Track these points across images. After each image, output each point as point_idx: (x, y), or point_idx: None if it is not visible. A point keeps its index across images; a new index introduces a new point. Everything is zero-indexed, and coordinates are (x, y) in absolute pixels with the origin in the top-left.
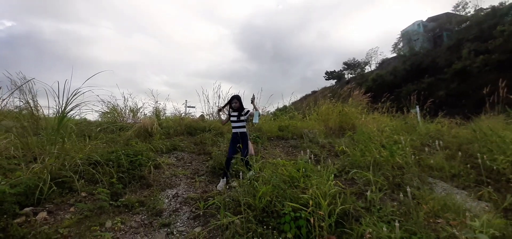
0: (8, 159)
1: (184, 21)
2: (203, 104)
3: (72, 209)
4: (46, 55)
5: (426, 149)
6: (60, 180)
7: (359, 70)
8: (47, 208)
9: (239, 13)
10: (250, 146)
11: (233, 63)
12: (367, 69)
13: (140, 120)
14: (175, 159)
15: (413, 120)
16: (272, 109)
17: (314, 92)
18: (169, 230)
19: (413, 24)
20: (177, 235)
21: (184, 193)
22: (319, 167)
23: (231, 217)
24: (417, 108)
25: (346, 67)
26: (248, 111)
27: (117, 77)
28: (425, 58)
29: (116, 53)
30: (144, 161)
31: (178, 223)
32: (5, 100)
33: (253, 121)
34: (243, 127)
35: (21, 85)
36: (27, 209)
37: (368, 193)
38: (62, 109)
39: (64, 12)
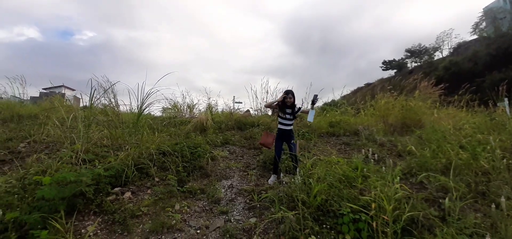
0: (100, 147)
1: (231, 19)
2: (251, 99)
3: (149, 191)
4: (119, 59)
5: None
6: (139, 166)
7: (426, 57)
8: (131, 189)
9: (285, 7)
10: (297, 145)
11: (278, 58)
12: (438, 55)
13: (196, 115)
14: (228, 152)
15: (502, 116)
16: (320, 103)
17: (368, 85)
18: (227, 217)
19: None
20: (235, 223)
21: (238, 184)
22: (383, 167)
23: (286, 211)
24: (506, 101)
25: (409, 55)
26: (300, 108)
27: (173, 76)
28: None
29: (172, 54)
30: (202, 153)
31: (235, 212)
32: (98, 99)
33: (308, 119)
34: (291, 124)
35: (109, 88)
36: (116, 189)
37: (446, 200)
38: (140, 106)
39: (131, 20)
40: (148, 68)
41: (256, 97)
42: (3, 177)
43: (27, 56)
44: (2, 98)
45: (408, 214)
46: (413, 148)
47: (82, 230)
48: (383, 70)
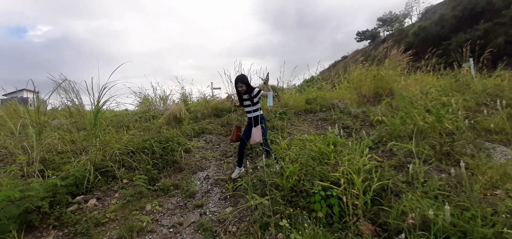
0: (59, 154)
1: (202, 1)
2: (227, 84)
3: (117, 195)
4: (84, 53)
5: (484, 110)
6: (103, 170)
7: (397, 25)
8: (95, 195)
9: None
10: (257, 132)
11: (256, 37)
12: (408, 22)
13: (170, 107)
14: (204, 142)
15: (466, 77)
16: (297, 82)
17: (344, 58)
18: (202, 210)
19: None
20: (210, 215)
21: (214, 174)
22: (350, 141)
23: (258, 198)
24: (471, 61)
25: (381, 24)
26: (260, 90)
27: (147, 66)
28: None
29: (144, 43)
30: (175, 147)
31: (210, 204)
32: (54, 100)
33: (268, 104)
34: (257, 110)
35: (59, 85)
36: (78, 197)
37: (410, 166)
38: (96, 103)
39: (88, 8)
40: (117, 60)
41: (231, 82)
42: None
43: None
44: None
45: (377, 183)
46: (382, 117)
47: None
48: (357, 41)
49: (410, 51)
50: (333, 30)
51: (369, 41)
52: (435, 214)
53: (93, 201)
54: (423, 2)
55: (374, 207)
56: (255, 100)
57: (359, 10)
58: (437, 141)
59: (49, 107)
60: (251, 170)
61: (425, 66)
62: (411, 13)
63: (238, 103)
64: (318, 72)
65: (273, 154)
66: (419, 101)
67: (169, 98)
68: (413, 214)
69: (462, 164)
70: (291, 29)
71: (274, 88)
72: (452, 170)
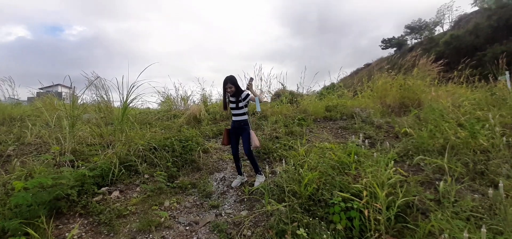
0: (88, 146)
1: (222, 2)
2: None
3: (138, 189)
4: (112, 53)
5: None
6: (127, 164)
7: (426, 33)
8: (119, 188)
9: None
10: (253, 136)
11: (275, 41)
12: (438, 30)
13: (190, 107)
14: (221, 143)
15: (503, 91)
16: (318, 88)
17: (368, 65)
18: (218, 211)
19: None
20: (225, 217)
21: (230, 177)
22: (374, 152)
23: (275, 204)
24: (507, 75)
25: (409, 31)
26: (248, 94)
27: (168, 67)
28: None
29: (166, 44)
30: (194, 146)
31: (226, 206)
32: (85, 96)
33: (256, 110)
34: (243, 114)
35: (93, 82)
36: (103, 188)
37: (441, 183)
38: (124, 101)
39: (118, 10)
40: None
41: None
42: None
43: (18, 55)
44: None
45: (402, 199)
46: (409, 129)
47: (66, 234)
48: (382, 49)
49: (441, 61)
50: (357, 36)
51: (395, 49)
52: (469, 237)
53: (116, 193)
54: (456, 10)
55: (398, 224)
56: (242, 103)
57: (386, 16)
58: (470, 159)
59: (80, 102)
60: (270, 175)
61: (457, 77)
62: (442, 21)
63: (225, 106)
64: (339, 79)
65: (262, 172)
66: (450, 114)
67: (190, 98)
68: (445, 235)
69: (501, 185)
70: (312, 34)
71: (293, 94)
72: (490, 191)
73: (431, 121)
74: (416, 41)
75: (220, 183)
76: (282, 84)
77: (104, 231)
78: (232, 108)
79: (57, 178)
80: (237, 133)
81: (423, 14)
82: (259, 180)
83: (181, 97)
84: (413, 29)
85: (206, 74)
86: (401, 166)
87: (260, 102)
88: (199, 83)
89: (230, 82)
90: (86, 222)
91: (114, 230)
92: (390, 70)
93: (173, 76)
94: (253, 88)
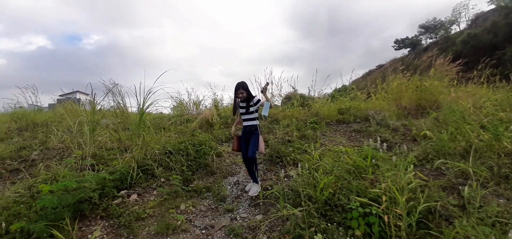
0: (107, 151)
1: (233, 7)
2: (257, 91)
3: (155, 192)
4: (127, 60)
5: None
6: (144, 167)
7: (442, 32)
8: (137, 191)
9: None
10: (261, 142)
11: (285, 44)
12: (455, 29)
13: (202, 111)
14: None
15: None
16: (329, 90)
17: (380, 66)
18: (232, 215)
19: None
20: (240, 221)
21: (244, 180)
22: (392, 155)
23: (291, 209)
24: None
25: (423, 31)
26: (259, 100)
27: (180, 72)
28: None
29: (178, 50)
30: (208, 150)
31: (241, 210)
32: (103, 102)
33: (262, 114)
34: (254, 119)
35: (111, 89)
36: (122, 192)
37: (466, 188)
38: (141, 106)
39: (133, 18)
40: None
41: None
42: (13, 187)
43: (39, 64)
44: (21, 107)
45: (423, 205)
46: (428, 132)
47: (89, 235)
48: (395, 49)
49: (460, 61)
50: (368, 37)
51: (408, 49)
52: None
53: (134, 196)
54: (472, 8)
55: (419, 230)
56: (253, 108)
57: (399, 16)
58: (494, 162)
59: (98, 108)
60: (286, 179)
61: (477, 77)
62: (458, 20)
63: (236, 113)
64: (351, 81)
65: (259, 181)
66: (472, 116)
67: (202, 103)
68: None
69: None
70: (322, 36)
71: (304, 97)
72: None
73: (451, 123)
74: (431, 40)
75: (234, 187)
76: (293, 87)
77: (124, 234)
78: (242, 114)
79: (81, 182)
80: (247, 138)
81: (438, 13)
82: (254, 189)
83: (194, 101)
84: (428, 28)
85: (217, 78)
86: (421, 170)
87: (270, 107)
88: (211, 87)
89: (242, 87)
90: (107, 224)
91: (134, 233)
92: (405, 71)
93: (185, 81)
94: (267, 93)
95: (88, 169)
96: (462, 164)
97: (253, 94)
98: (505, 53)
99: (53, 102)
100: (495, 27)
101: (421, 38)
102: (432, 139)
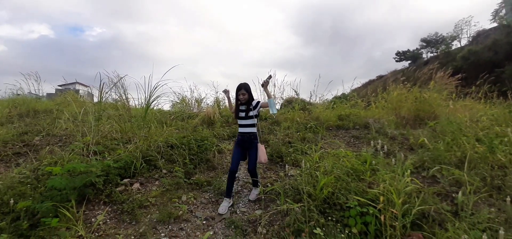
0: (110, 140)
1: (238, 10)
2: (258, 93)
3: (157, 182)
4: (129, 54)
5: None
6: (147, 158)
7: (443, 47)
8: (139, 180)
9: None
10: (262, 150)
11: (288, 49)
12: (456, 45)
13: (204, 109)
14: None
15: None
16: (330, 96)
17: (380, 77)
18: (232, 209)
19: None
20: (240, 214)
21: (244, 177)
22: (393, 160)
23: (291, 203)
24: None
25: (424, 44)
26: (259, 102)
27: (182, 70)
28: None
29: (181, 48)
30: (209, 146)
31: (241, 204)
32: (106, 94)
33: (271, 112)
34: (253, 126)
35: (117, 81)
36: (125, 180)
37: (459, 194)
38: (147, 100)
39: (138, 13)
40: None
41: (262, 91)
42: (17, 169)
43: (40, 53)
44: (19, 94)
45: (418, 208)
46: (426, 140)
47: (92, 219)
48: (396, 61)
49: (459, 75)
50: (370, 47)
51: (409, 61)
52: None
53: (137, 185)
54: (474, 25)
55: (413, 232)
56: (253, 113)
57: (401, 29)
58: (487, 173)
59: (97, 99)
60: (286, 178)
61: (476, 92)
62: (460, 36)
63: (231, 109)
64: (351, 89)
65: (260, 189)
66: (468, 128)
67: (204, 101)
68: None
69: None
70: (324, 44)
71: (304, 102)
72: (508, 199)
73: (448, 134)
74: (431, 54)
75: (234, 182)
76: (295, 91)
77: (127, 220)
78: (240, 118)
79: (88, 166)
80: (243, 147)
81: (440, 28)
82: (255, 193)
83: (196, 99)
84: (429, 42)
85: (217, 79)
86: (417, 177)
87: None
88: (214, 86)
89: (244, 88)
90: (110, 209)
91: (136, 219)
92: (406, 82)
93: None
94: (268, 88)
95: (92, 156)
96: (457, 172)
97: (255, 97)
98: (504, 71)
99: (52, 92)
100: (496, 45)
101: (422, 52)
102: (429, 148)
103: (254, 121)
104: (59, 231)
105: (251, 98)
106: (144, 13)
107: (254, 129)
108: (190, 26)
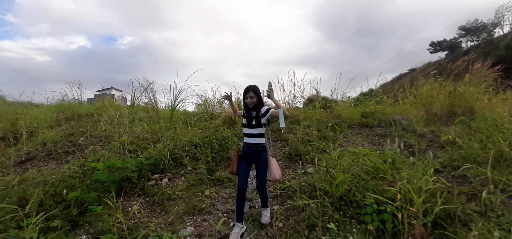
0: (142, 140)
1: (258, 10)
2: (279, 93)
3: (183, 178)
4: (156, 60)
5: None
6: (174, 156)
7: (484, 35)
8: (167, 176)
9: None
10: (274, 165)
11: (309, 46)
12: (498, 32)
13: (225, 110)
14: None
15: None
16: (354, 94)
17: (412, 71)
18: (251, 204)
19: None
20: (258, 209)
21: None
22: (411, 158)
23: (307, 200)
24: None
25: (463, 33)
26: (269, 109)
27: (204, 72)
28: None
29: (203, 51)
30: (230, 145)
31: (259, 200)
32: (138, 98)
33: (281, 126)
34: (261, 135)
35: (148, 86)
36: (156, 175)
37: (484, 193)
38: (173, 103)
39: (163, 20)
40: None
41: (284, 90)
42: (67, 165)
43: (79, 61)
44: (64, 100)
45: (440, 207)
46: (456, 138)
47: (129, 209)
48: (430, 52)
49: (499, 66)
50: (401, 39)
51: (446, 52)
52: None
53: (165, 180)
54: None
55: (434, 231)
56: (262, 120)
57: (436, 17)
58: None
59: (130, 103)
60: (303, 176)
61: None
62: (502, 22)
63: (235, 113)
64: (378, 85)
65: (268, 210)
66: (506, 125)
67: (225, 101)
68: None
69: None
70: (349, 38)
71: (326, 99)
72: None
73: (483, 131)
74: (472, 43)
75: (253, 180)
76: (316, 90)
77: (157, 210)
78: (245, 126)
79: (124, 163)
80: (250, 160)
81: (480, 15)
82: (266, 214)
83: (218, 100)
84: (469, 30)
85: (239, 79)
86: (445, 176)
87: (286, 118)
88: (234, 87)
89: (252, 90)
90: (143, 201)
91: (165, 210)
92: (438, 76)
93: (209, 81)
94: (275, 96)
95: (127, 154)
96: (486, 171)
97: (268, 104)
98: None
99: (92, 97)
100: None
101: (461, 41)
102: (461, 146)
103: (263, 130)
104: (102, 217)
105: (260, 103)
106: (168, 20)
107: (262, 140)
108: (212, 29)
